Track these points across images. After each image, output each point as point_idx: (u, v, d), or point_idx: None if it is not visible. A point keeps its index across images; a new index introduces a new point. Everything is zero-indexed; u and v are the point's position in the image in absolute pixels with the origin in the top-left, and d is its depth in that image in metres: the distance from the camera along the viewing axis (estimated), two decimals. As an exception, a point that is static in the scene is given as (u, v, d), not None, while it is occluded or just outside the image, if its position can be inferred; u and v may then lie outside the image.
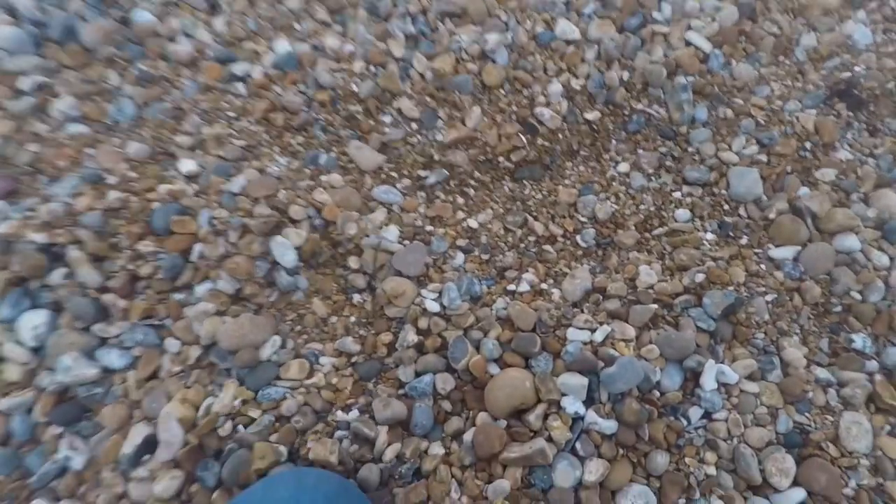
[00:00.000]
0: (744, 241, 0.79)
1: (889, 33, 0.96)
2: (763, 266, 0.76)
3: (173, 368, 0.70)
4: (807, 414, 0.67)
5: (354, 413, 0.70)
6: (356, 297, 0.77)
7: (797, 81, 0.90)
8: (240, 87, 0.89)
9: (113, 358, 0.71)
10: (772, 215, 0.79)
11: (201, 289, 0.72)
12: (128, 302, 0.72)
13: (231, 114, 0.87)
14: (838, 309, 0.73)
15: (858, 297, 0.73)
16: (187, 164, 0.80)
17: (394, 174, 0.87)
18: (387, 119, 0.90)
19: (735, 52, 0.92)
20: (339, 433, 0.69)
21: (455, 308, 0.74)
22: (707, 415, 0.67)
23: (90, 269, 0.72)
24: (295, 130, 0.88)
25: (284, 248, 0.75)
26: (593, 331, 0.72)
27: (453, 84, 0.90)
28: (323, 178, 0.83)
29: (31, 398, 0.70)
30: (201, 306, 0.71)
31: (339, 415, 0.70)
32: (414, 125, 0.90)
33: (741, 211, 0.81)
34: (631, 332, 0.71)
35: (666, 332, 0.71)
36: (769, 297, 0.73)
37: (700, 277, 0.75)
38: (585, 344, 0.71)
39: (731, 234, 0.80)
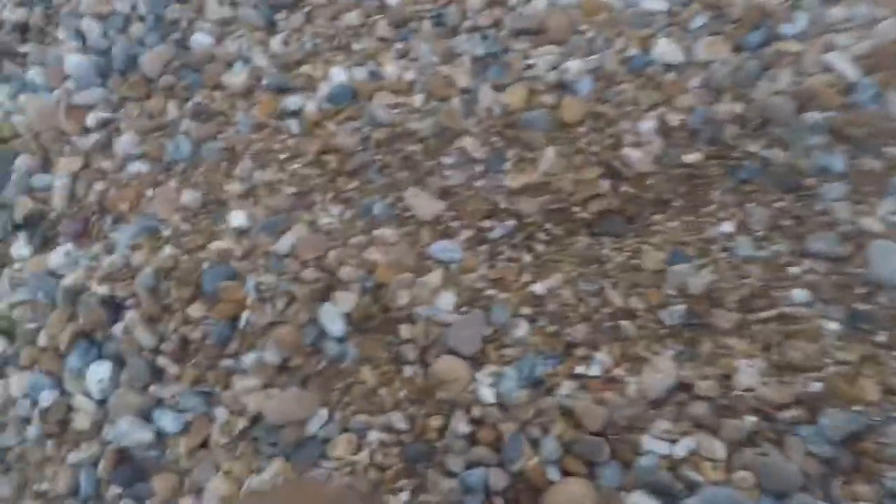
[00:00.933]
0: (881, 338, 0.64)
1: None
2: (904, 378, 0.61)
3: (221, 440, 0.69)
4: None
5: (405, 496, 0.67)
6: (407, 370, 0.72)
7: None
8: (293, 125, 0.83)
9: (168, 421, 0.71)
10: (923, 309, 0.63)
11: (248, 359, 0.70)
12: (180, 367, 0.71)
13: (283, 155, 0.82)
14: None
15: None
16: (238, 217, 0.77)
17: (454, 224, 0.79)
18: (448, 160, 0.80)
19: (893, 80, 0.72)
20: (383, 521, 0.66)
21: (513, 398, 0.66)
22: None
23: (145, 331, 0.72)
24: (349, 175, 0.81)
25: (333, 316, 0.70)
26: (674, 442, 0.62)
27: (525, 121, 0.79)
28: (376, 232, 0.77)
29: (97, 452, 0.73)
30: (248, 381, 0.68)
31: (390, 499, 0.67)
32: (479, 167, 0.80)
33: (881, 298, 0.65)
34: (720, 450, 0.60)
35: (766, 457, 0.59)
36: (909, 425, 0.59)
37: (817, 387, 0.61)
38: (663, 458, 0.61)
39: (863, 327, 0.65)
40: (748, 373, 0.64)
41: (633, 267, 0.75)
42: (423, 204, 0.78)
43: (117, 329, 0.75)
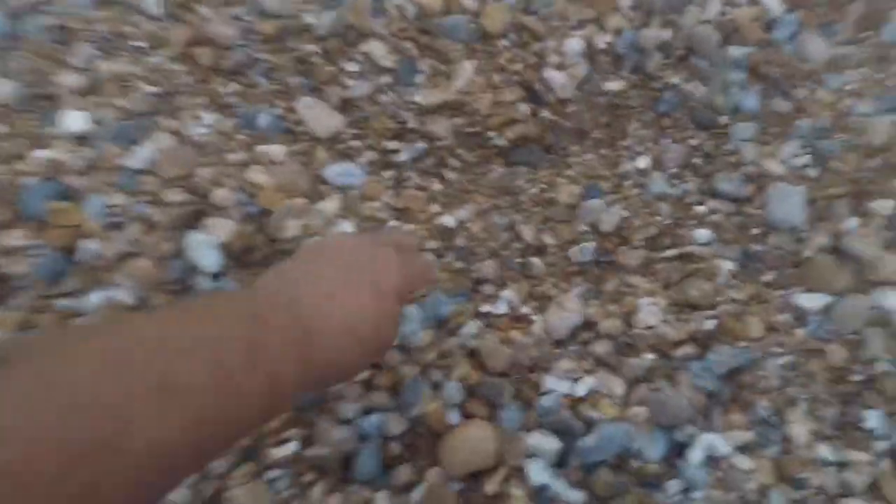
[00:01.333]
0: (770, 277, 0.66)
1: None
2: (785, 317, 0.64)
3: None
4: (801, 491, 0.60)
5: (292, 447, 0.61)
6: (298, 309, 0.64)
7: (877, 72, 0.71)
8: (151, 4, 0.65)
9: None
10: (808, 252, 0.66)
11: (94, 298, 0.57)
12: None
13: (138, 43, 0.65)
14: (859, 377, 0.63)
15: (886, 367, 0.63)
16: (74, 119, 0.60)
17: (356, 143, 0.69)
18: (352, 67, 0.69)
19: (811, 18, 0.71)
20: (271, 474, 0.60)
21: (415, 340, 0.61)
22: (686, 490, 0.60)
23: (-52, 262, 0.56)
24: (227, 75, 0.66)
25: (204, 247, 0.59)
26: (576, 381, 0.61)
27: (442, 27, 0.68)
28: (261, 148, 0.65)
29: None
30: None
31: (274, 451, 0.61)
32: (386, 78, 0.69)
33: (773, 239, 0.67)
34: (619, 388, 0.61)
35: (659, 393, 0.60)
36: (784, 360, 0.62)
37: (710, 325, 0.63)
38: (564, 397, 0.60)
39: (756, 266, 0.67)
40: (649, 311, 0.64)
41: (547, 200, 0.71)
42: (320, 117, 0.67)
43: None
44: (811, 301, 0.65)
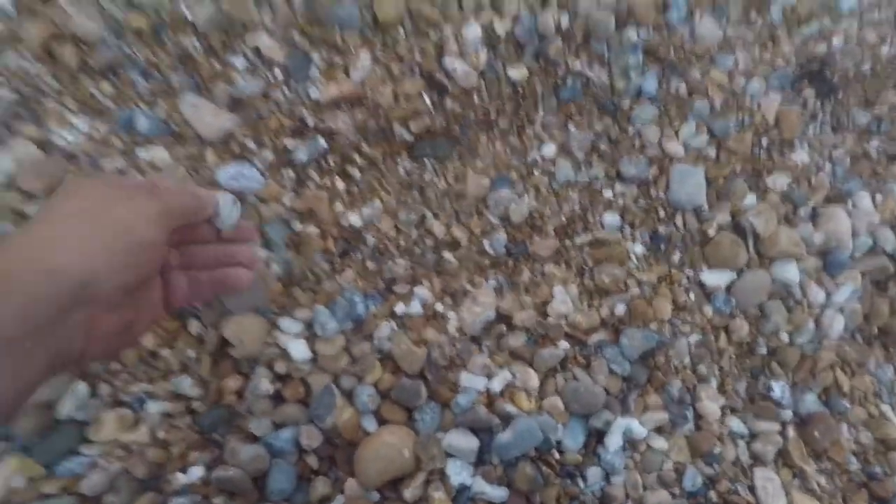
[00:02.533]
0: (676, 258, 0.67)
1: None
2: (692, 295, 0.65)
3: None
4: (715, 465, 0.62)
5: (198, 472, 0.57)
6: (194, 325, 0.59)
7: (766, 51, 0.73)
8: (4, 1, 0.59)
9: None
10: (711, 231, 0.67)
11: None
12: None
13: (-12, 42, 0.58)
14: (763, 351, 0.66)
15: (786, 338, 0.65)
16: (-87, 131, 0.53)
17: (250, 144, 0.65)
18: (239, 62, 0.64)
19: (702, 1, 0.72)
20: (176, 502, 0.56)
21: (329, 338, 0.58)
22: (607, 476, 0.60)
23: None
24: (98, 74, 0.61)
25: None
26: (491, 377, 0.60)
27: (334, 16, 0.65)
28: (143, 153, 0.59)
29: None
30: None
31: (178, 478, 0.56)
32: (279, 73, 0.65)
33: (678, 220, 0.68)
34: (534, 380, 0.60)
35: (574, 382, 0.60)
36: (693, 339, 0.64)
37: (621, 310, 0.63)
38: (480, 393, 0.59)
39: (662, 248, 0.68)
40: (563, 301, 0.64)
41: (456, 195, 0.69)
42: (206, 118, 0.62)
43: None
44: (716, 278, 0.66)
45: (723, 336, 0.65)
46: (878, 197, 0.74)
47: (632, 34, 0.71)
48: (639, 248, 0.68)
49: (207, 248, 0.48)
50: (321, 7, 0.64)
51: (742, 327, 0.65)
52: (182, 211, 0.42)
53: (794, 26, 0.74)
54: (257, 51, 0.65)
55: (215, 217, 0.47)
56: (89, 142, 0.59)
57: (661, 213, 0.69)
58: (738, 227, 0.67)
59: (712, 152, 0.70)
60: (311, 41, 0.65)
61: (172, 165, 0.60)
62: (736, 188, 0.69)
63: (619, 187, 0.69)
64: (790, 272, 0.65)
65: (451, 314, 0.64)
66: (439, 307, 0.64)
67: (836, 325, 0.68)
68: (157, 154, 0.60)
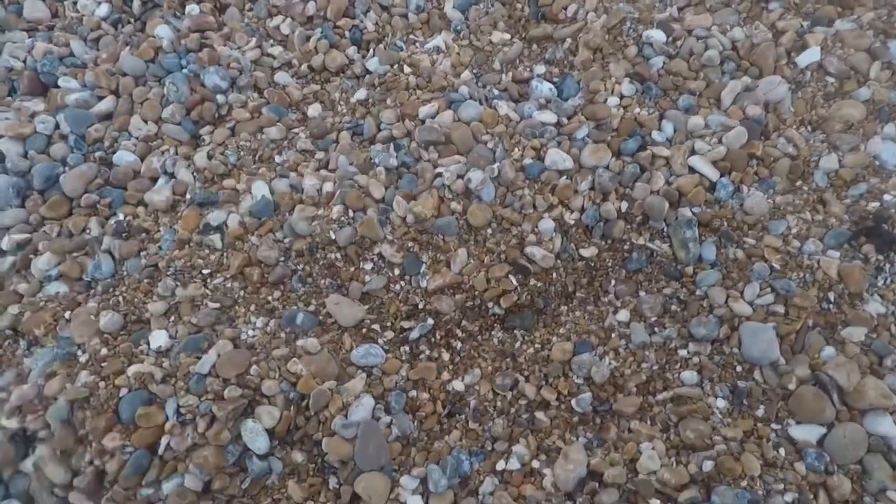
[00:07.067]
0: (760, 412, 0.71)
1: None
2: (782, 451, 0.67)
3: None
4: None
5: None
6: (332, 481, 0.73)
7: (817, 213, 0.81)
8: (216, 240, 0.86)
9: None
10: (791, 385, 0.70)
11: (168, 486, 0.69)
12: (94, 503, 0.69)
13: (206, 270, 0.84)
14: (871, 509, 0.64)
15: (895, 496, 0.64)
16: (158, 337, 0.77)
17: (376, 327, 0.82)
18: (368, 266, 0.85)
19: (746, 177, 0.84)
20: None
21: (440, 493, 0.68)
22: None
23: (57, 466, 0.70)
24: (271, 285, 0.84)
25: (256, 433, 0.71)
26: (587, 533, 0.65)
27: (436, 227, 0.85)
28: (300, 342, 0.79)
29: None
30: (166, 511, 0.67)
31: None
32: (396, 271, 0.85)
33: (756, 375, 0.73)
34: (629, 538, 0.64)
35: (669, 540, 0.63)
36: (789, 497, 0.64)
37: (709, 466, 0.67)
38: (578, 551, 0.64)
39: (744, 402, 0.72)
40: (651, 457, 0.69)
41: (543, 358, 0.80)
42: (345, 312, 0.82)
43: (27, 464, 0.73)
44: (805, 433, 0.68)
45: (822, 494, 0.65)
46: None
47: (685, 211, 0.83)
48: (721, 403, 0.72)
49: None
50: (427, 221, 0.85)
51: (843, 485, 0.64)
52: None
53: (840, 189, 0.81)
54: (380, 256, 0.85)
55: None
56: (263, 335, 0.80)
57: (739, 369, 0.74)
58: (819, 381, 0.70)
59: (780, 309, 0.75)
60: (420, 245, 0.85)
61: (320, 350, 0.79)
62: (811, 341, 0.73)
63: (692, 346, 0.76)
64: (885, 425, 0.65)
65: (547, 471, 0.71)
66: (535, 464, 0.72)
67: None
68: (310, 342, 0.79)
